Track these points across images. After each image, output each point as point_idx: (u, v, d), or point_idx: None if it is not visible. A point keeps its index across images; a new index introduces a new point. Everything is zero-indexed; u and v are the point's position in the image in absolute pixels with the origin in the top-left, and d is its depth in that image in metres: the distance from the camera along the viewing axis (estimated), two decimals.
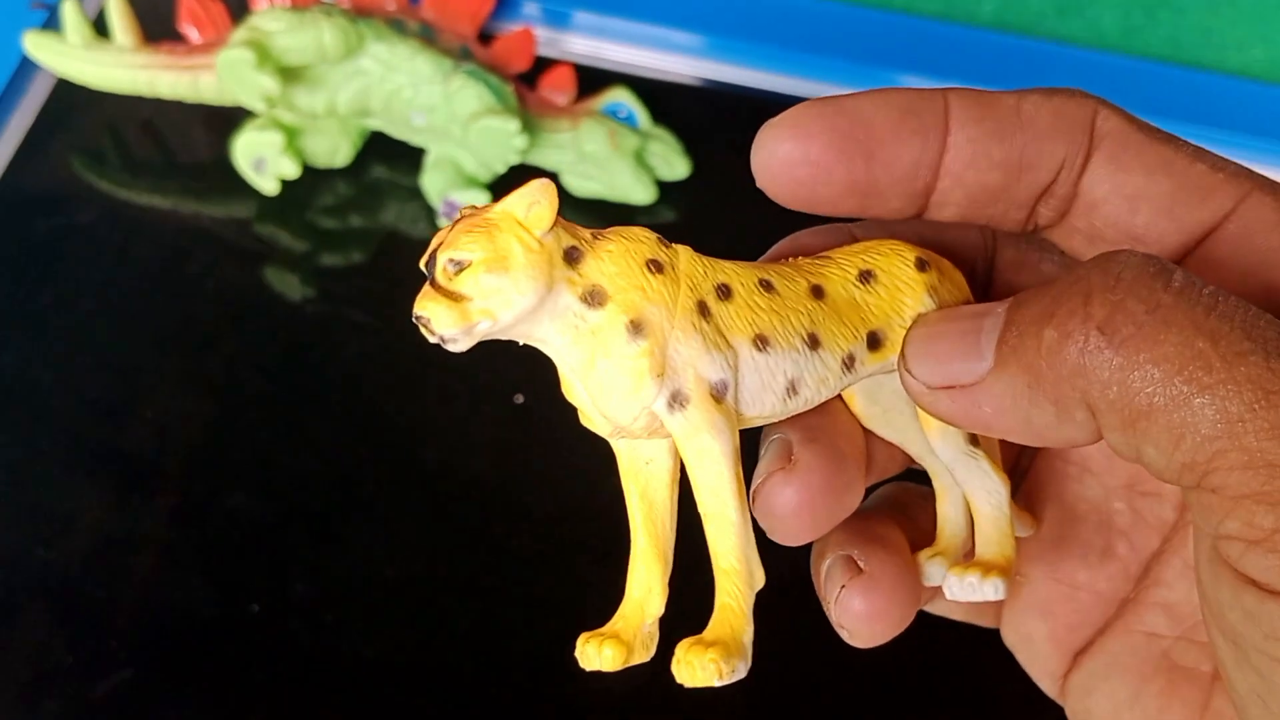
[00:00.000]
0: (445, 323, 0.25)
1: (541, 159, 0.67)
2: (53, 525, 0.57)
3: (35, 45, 0.68)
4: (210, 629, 0.55)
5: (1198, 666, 0.31)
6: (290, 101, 0.65)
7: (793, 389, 0.28)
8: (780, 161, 0.28)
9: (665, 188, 0.68)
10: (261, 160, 0.66)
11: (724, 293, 0.27)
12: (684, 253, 0.28)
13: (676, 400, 0.26)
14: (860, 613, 0.30)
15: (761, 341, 0.27)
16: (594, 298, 0.26)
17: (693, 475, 0.27)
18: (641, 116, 0.69)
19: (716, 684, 0.27)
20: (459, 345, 0.26)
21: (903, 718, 0.56)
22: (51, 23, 0.71)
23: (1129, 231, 0.28)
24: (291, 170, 0.66)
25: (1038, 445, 0.28)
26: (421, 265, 0.26)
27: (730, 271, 0.28)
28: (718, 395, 0.27)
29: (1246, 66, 0.77)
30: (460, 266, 0.25)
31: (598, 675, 0.54)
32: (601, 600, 0.56)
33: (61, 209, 0.68)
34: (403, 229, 0.67)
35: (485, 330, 0.25)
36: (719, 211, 0.67)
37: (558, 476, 0.60)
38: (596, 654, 0.28)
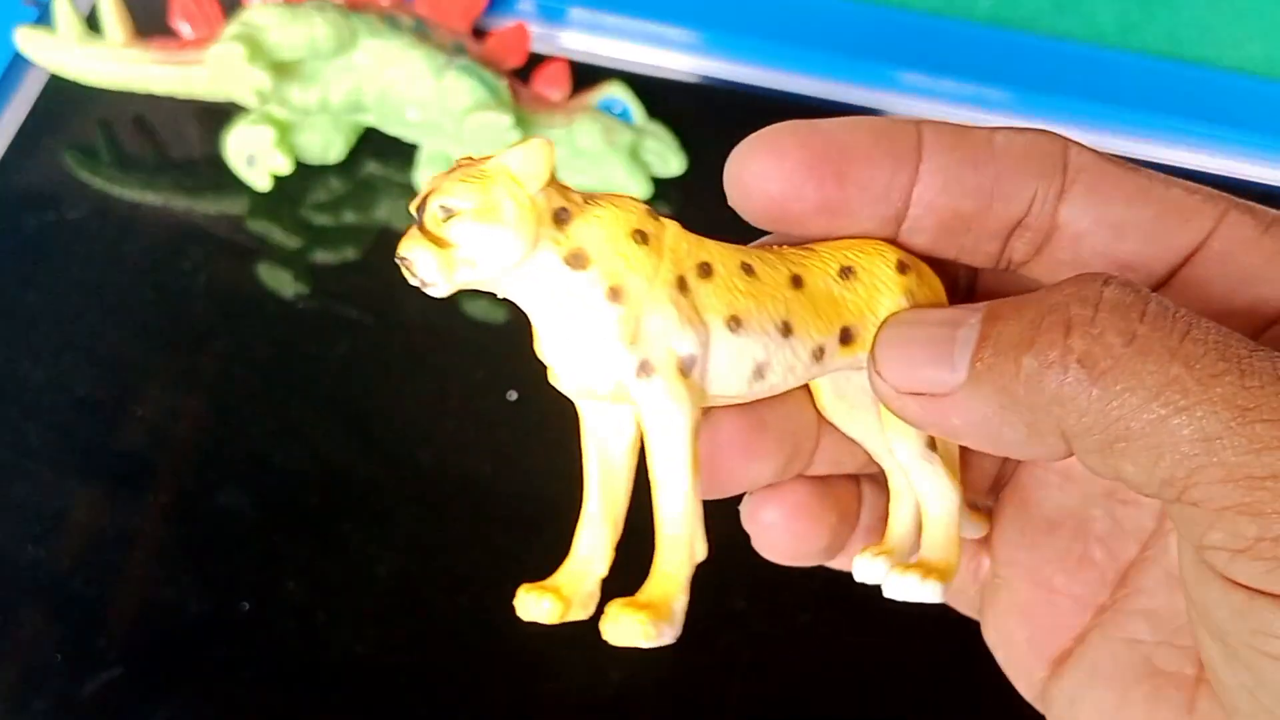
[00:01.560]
0: (428, 267, 0.25)
1: None
2: (42, 523, 0.57)
3: (27, 41, 0.68)
4: (200, 627, 0.55)
5: (1181, 670, 0.31)
6: (282, 97, 0.64)
7: (759, 373, 0.28)
8: (752, 177, 0.29)
9: (660, 184, 0.68)
10: (253, 156, 0.66)
11: (705, 271, 0.28)
12: (671, 227, 0.28)
13: (645, 369, 0.27)
14: (765, 522, 0.32)
15: (735, 322, 0.28)
16: (577, 260, 0.26)
17: (650, 443, 0.27)
18: (636, 112, 0.68)
19: (643, 645, 0.26)
20: (439, 290, 0.26)
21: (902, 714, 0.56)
22: (44, 18, 0.71)
23: (1116, 260, 0.29)
24: (284, 166, 0.66)
25: (1004, 456, 0.29)
26: (411, 209, 0.26)
27: (714, 251, 0.28)
28: (685, 369, 0.27)
29: (1244, 63, 0.77)
30: (450, 213, 0.25)
31: (593, 673, 0.54)
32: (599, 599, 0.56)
33: (53, 205, 0.67)
34: (396, 225, 0.67)
35: (466, 278, 0.26)
36: (714, 208, 0.67)
37: (551, 473, 0.59)
38: (536, 604, 0.28)
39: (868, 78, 0.75)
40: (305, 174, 0.68)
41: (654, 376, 0.27)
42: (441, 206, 0.25)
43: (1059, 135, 0.29)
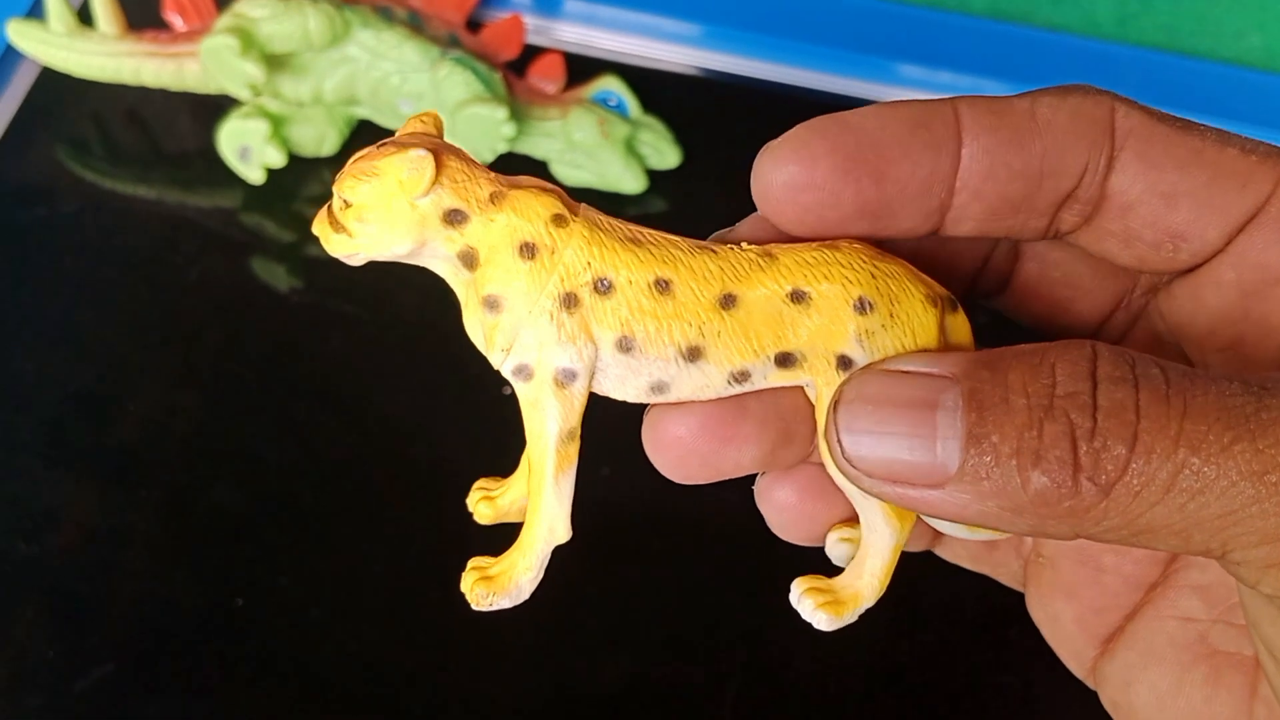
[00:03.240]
0: (330, 247, 0.29)
1: (530, 147, 0.67)
2: (34, 520, 0.56)
3: (18, 34, 0.68)
4: (193, 624, 0.55)
5: (1240, 651, 0.30)
6: (276, 89, 0.64)
7: (660, 389, 0.29)
8: (783, 186, 0.27)
9: (656, 177, 0.68)
10: (247, 149, 0.65)
11: (603, 287, 0.28)
12: (576, 236, 0.28)
13: (521, 373, 0.28)
14: (779, 502, 0.32)
15: (625, 343, 0.28)
16: (468, 260, 0.28)
17: (527, 434, 0.29)
18: (632, 105, 0.68)
19: (475, 608, 0.30)
20: (350, 263, 0.29)
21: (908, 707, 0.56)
22: (35, 11, 0.70)
23: (1169, 229, 0.28)
24: (277, 159, 0.65)
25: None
26: (333, 185, 0.28)
27: (625, 264, 0.28)
28: (562, 381, 0.28)
29: (1243, 54, 0.77)
30: (347, 204, 0.28)
31: (589, 673, 0.54)
32: (597, 593, 0.55)
33: (45, 199, 0.67)
34: None
35: (366, 258, 0.29)
36: (710, 201, 0.66)
37: None
38: (474, 505, 0.32)
39: (865, 71, 0.74)
40: (299, 167, 0.67)
41: (531, 382, 0.28)
42: (341, 197, 0.28)
43: (1103, 95, 0.27)
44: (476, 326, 0.29)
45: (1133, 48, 0.77)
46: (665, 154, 0.68)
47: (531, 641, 0.55)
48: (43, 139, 0.69)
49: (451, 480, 0.59)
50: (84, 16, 0.67)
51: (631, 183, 0.66)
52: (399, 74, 0.64)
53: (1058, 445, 0.24)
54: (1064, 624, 0.33)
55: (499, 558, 0.30)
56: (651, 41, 0.74)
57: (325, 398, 0.61)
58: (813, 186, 0.27)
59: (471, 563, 0.30)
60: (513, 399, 0.63)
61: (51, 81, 0.69)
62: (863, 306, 0.28)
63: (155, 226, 0.66)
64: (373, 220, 0.28)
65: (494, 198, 0.28)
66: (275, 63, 0.63)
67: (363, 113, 0.67)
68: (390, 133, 0.67)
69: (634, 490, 0.58)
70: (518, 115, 0.65)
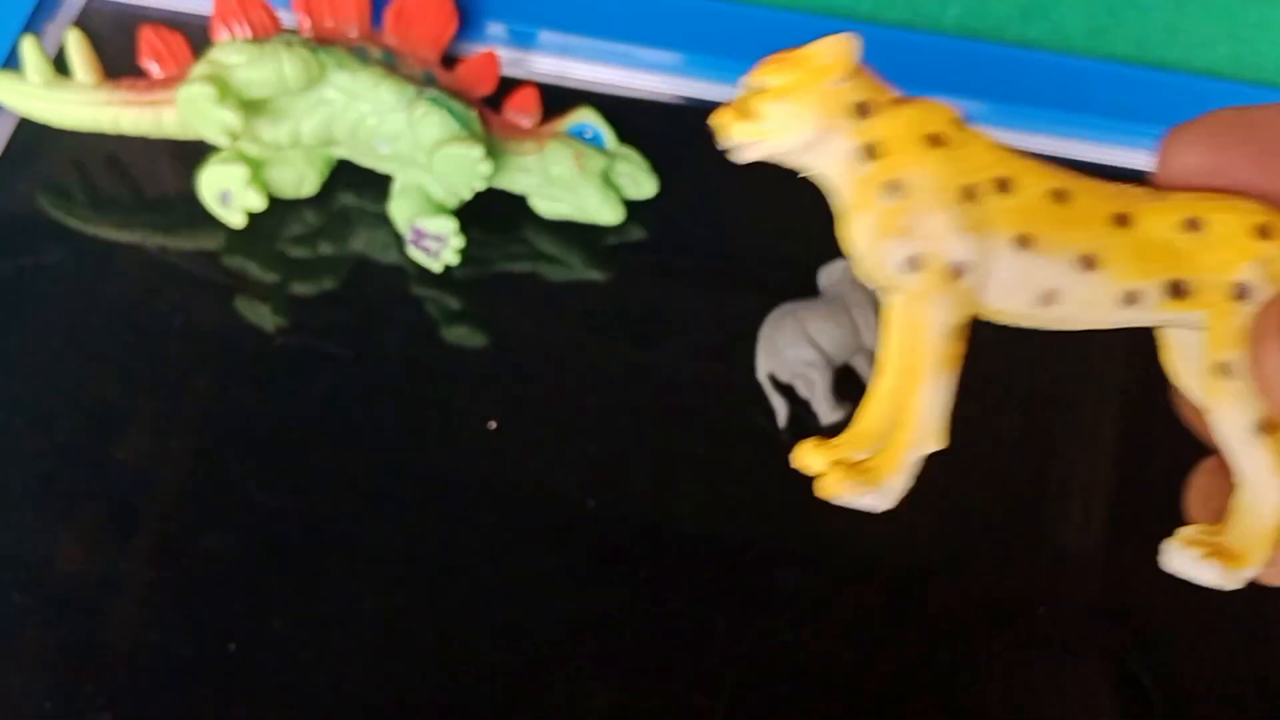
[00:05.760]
0: (730, 134, 0.29)
1: (508, 182, 0.67)
2: (25, 570, 0.57)
3: None
4: (187, 669, 0.55)
5: None
6: (254, 134, 0.64)
7: (1049, 298, 0.28)
8: (1191, 171, 0.28)
9: (634, 207, 0.68)
10: (227, 193, 0.66)
11: (1002, 185, 0.28)
12: (979, 140, 0.29)
13: (912, 264, 0.28)
14: None
15: (1023, 240, 0.28)
16: (870, 151, 0.28)
17: (898, 333, 0.28)
18: (608, 136, 0.68)
19: (837, 500, 0.28)
20: (743, 155, 0.30)
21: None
22: (11, 62, 0.71)
23: None
24: (258, 203, 0.66)
25: None
26: (748, 79, 0.30)
27: (1026, 170, 0.29)
28: (955, 273, 0.28)
29: (1213, 65, 0.77)
30: (758, 90, 0.29)
31: (580, 699, 0.54)
32: (583, 626, 0.55)
33: (27, 247, 0.67)
34: (373, 256, 0.67)
35: (767, 149, 0.29)
36: (689, 229, 0.67)
37: (532, 502, 0.59)
38: (804, 455, 0.29)
39: None
40: (280, 208, 0.67)
41: (919, 272, 0.28)
42: (752, 84, 0.29)
43: None
44: (868, 220, 0.28)
45: (1103, 61, 0.77)
46: (642, 184, 0.68)
47: (522, 676, 0.54)
48: (24, 187, 0.69)
49: (437, 516, 0.60)
50: (61, 66, 0.68)
51: (609, 214, 0.67)
52: (375, 114, 0.64)
53: None
54: None
55: (868, 458, 0.29)
56: (627, 70, 0.75)
57: (311, 439, 0.62)
58: (1220, 175, 0.28)
59: (820, 453, 0.29)
60: (497, 435, 0.63)
61: (31, 129, 0.70)
62: (1265, 232, 0.28)
63: (139, 272, 0.67)
64: (783, 101, 0.29)
65: (896, 101, 0.29)
66: (252, 107, 0.63)
67: (341, 153, 0.68)
68: (369, 171, 0.68)
69: (625, 516, 0.58)
70: (494, 151, 0.65)
